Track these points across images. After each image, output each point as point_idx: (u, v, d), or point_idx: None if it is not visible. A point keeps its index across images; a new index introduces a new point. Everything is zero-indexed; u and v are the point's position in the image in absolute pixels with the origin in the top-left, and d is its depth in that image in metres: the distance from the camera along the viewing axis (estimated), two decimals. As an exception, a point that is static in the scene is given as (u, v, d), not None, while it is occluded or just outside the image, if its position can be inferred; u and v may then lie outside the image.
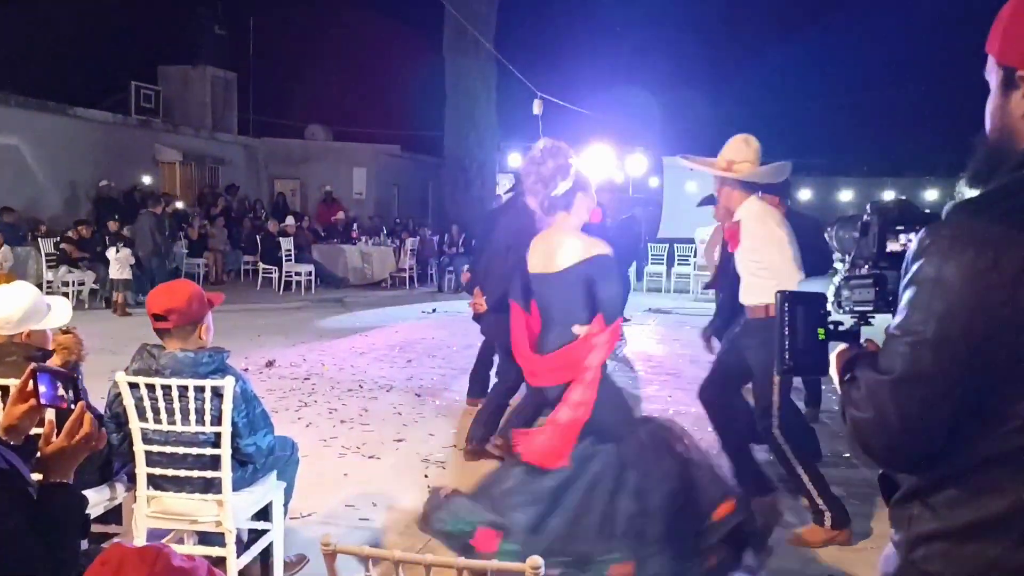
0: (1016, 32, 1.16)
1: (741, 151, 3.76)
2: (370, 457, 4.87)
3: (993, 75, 1.20)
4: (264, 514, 3.13)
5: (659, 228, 19.21)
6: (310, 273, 13.48)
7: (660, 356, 8.38)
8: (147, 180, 16.54)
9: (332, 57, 23.23)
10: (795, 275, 3.57)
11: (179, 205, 15.60)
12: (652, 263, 15.42)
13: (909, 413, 1.12)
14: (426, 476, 4.55)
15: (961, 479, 1.14)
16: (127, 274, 10.57)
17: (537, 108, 13.05)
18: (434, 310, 11.79)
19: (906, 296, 1.15)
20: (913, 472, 1.21)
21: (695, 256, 14.66)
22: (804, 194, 20.45)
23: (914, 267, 1.14)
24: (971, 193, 1.17)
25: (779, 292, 1.44)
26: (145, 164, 16.71)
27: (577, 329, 2.91)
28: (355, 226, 16.25)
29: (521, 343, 3.08)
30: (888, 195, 21.08)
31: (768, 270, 3.62)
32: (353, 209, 18.82)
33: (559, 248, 2.94)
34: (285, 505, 3.25)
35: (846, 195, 21.85)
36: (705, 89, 22.35)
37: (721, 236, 4.20)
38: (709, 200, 4.34)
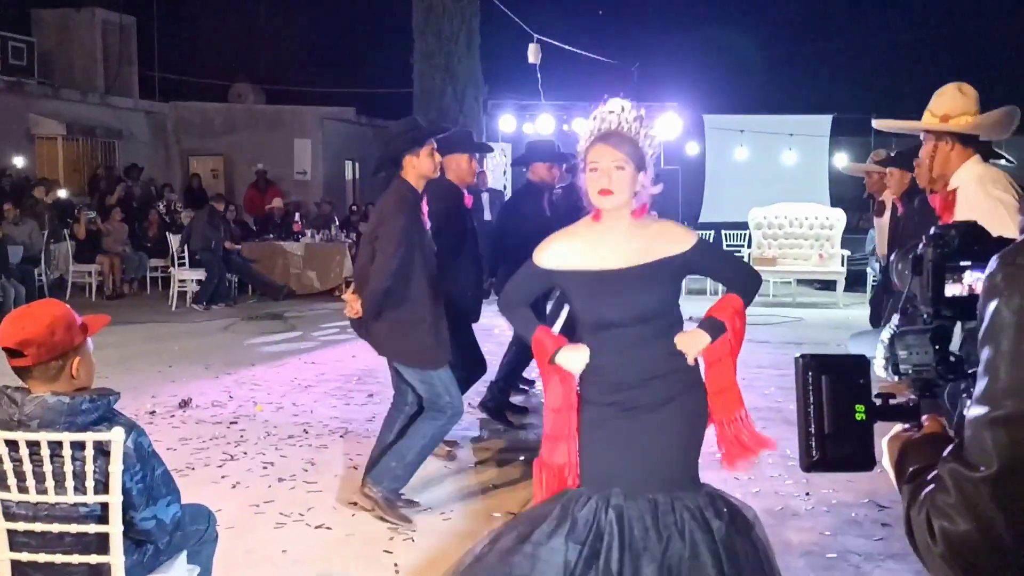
0: None
1: (958, 102, 3.89)
2: (318, 527, 4.83)
3: None
4: (172, 610, 3.09)
5: (701, 209, 19.25)
6: (237, 281, 13.44)
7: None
8: (20, 162, 16.49)
9: (263, -7, 23.21)
10: None
11: (62, 194, 15.57)
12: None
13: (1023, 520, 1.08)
14: (389, 552, 4.50)
15: None
16: None
17: (534, 55, 13.06)
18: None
19: (983, 356, 1.12)
20: None
21: (748, 246, 14.64)
22: (840, 160, 20.25)
23: (987, 315, 1.11)
24: None
25: (799, 357, 1.39)
26: (16, 140, 16.67)
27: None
28: (298, 216, 16.21)
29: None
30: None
31: None
32: (295, 194, 18.80)
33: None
34: (200, 597, 3.22)
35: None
36: (753, 26, 22.35)
37: (889, 224, 4.27)
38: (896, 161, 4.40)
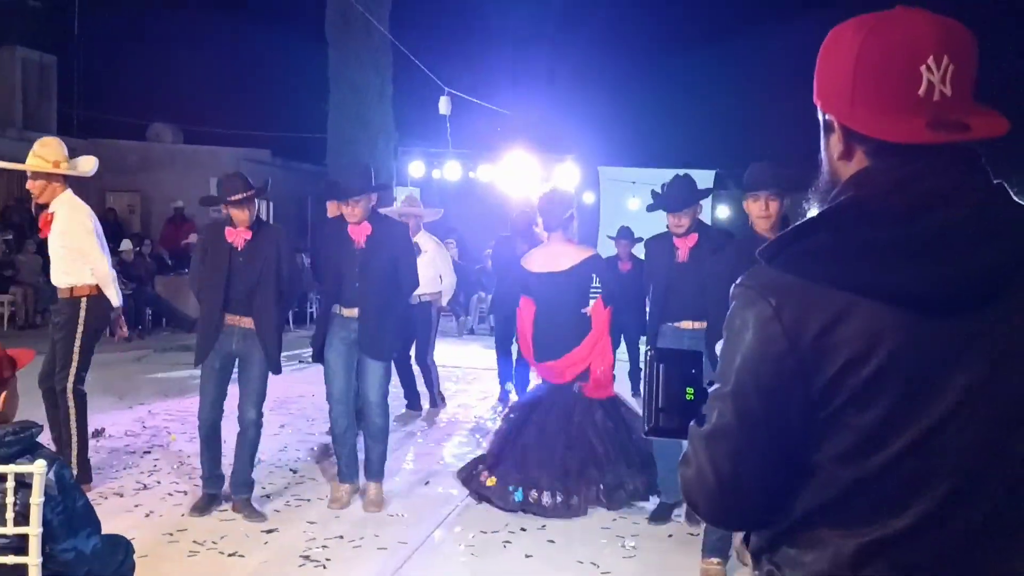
0: (821, 75, 1.40)
1: (59, 151, 5.89)
2: (231, 555, 4.73)
3: (820, 118, 1.45)
4: (87, 640, 2.98)
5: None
6: (152, 313, 13.14)
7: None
8: (-67, 193, 15.80)
9: (182, 38, 22.87)
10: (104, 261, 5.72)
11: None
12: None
13: (721, 469, 1.35)
14: (304, 578, 4.43)
15: (792, 535, 1.36)
16: None
17: (444, 107, 13.16)
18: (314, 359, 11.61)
19: (723, 342, 1.38)
20: (744, 529, 1.45)
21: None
22: (722, 212, 21.04)
23: (728, 313, 1.37)
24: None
25: (648, 349, 1.63)
26: (-69, 172, 15.96)
27: (586, 309, 5.67)
28: (212, 252, 15.94)
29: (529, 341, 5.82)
30: (814, 213, 21.79)
31: (78, 253, 5.66)
32: (210, 230, 18.42)
33: (565, 253, 5.70)
34: (116, 626, 3.11)
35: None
36: (646, 88, 23.01)
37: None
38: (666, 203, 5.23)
